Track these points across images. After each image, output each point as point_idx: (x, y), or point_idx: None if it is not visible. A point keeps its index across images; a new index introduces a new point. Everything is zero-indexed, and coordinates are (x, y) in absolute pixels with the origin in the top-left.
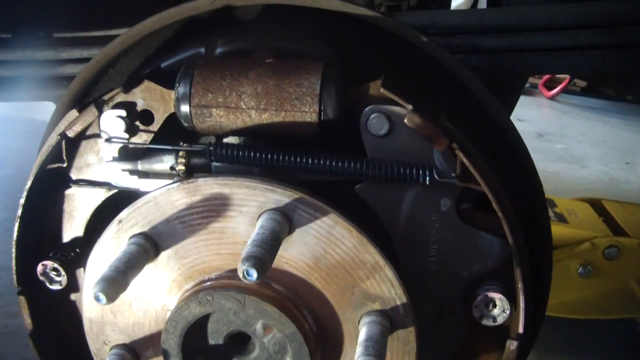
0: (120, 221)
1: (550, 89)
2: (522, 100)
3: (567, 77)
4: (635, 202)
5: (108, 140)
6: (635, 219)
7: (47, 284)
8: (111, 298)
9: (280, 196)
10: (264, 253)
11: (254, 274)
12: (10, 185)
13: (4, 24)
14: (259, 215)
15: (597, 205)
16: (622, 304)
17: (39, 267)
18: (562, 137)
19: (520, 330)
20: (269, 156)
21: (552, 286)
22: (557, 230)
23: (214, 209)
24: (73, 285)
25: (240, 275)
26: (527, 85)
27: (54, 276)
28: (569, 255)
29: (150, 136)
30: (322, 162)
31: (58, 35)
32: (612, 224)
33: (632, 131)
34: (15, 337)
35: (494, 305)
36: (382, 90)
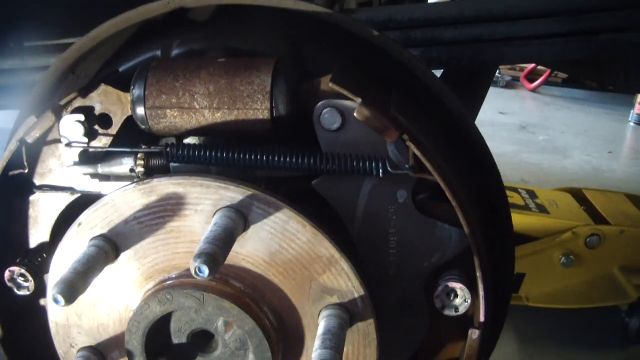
0: (79, 224)
1: (531, 81)
2: (505, 93)
3: (547, 69)
4: (618, 190)
5: (68, 144)
6: (616, 206)
7: (15, 290)
8: (69, 299)
9: (233, 193)
10: (216, 250)
11: (206, 271)
12: None
13: None
14: (214, 213)
15: (578, 194)
16: (606, 292)
17: (6, 274)
18: (545, 128)
19: (482, 318)
20: (224, 155)
21: (535, 277)
22: (539, 220)
23: (169, 208)
24: (41, 290)
25: (192, 272)
26: (509, 78)
27: (21, 282)
28: (551, 245)
29: (110, 139)
30: (276, 158)
31: (29, 44)
32: (593, 212)
33: (614, 120)
34: None
35: (455, 295)
36: (330, 84)
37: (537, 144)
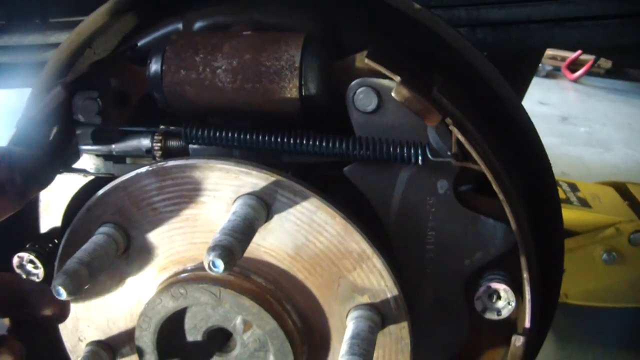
0: (88, 209)
1: (573, 71)
2: (546, 83)
3: (591, 58)
4: None
5: (80, 123)
6: None
7: (24, 277)
8: (72, 292)
9: (256, 179)
10: (233, 242)
11: (221, 265)
12: None
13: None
14: (234, 201)
15: (621, 189)
16: None
17: (15, 259)
18: (586, 120)
19: (527, 324)
20: (248, 137)
21: (575, 273)
22: (580, 215)
23: (186, 194)
24: (51, 278)
25: (206, 266)
26: (550, 68)
27: (30, 269)
28: (592, 241)
29: (126, 118)
30: (305, 142)
31: (54, 20)
32: (638, 208)
33: None
34: None
35: (498, 297)
36: (367, 61)
37: (578, 136)
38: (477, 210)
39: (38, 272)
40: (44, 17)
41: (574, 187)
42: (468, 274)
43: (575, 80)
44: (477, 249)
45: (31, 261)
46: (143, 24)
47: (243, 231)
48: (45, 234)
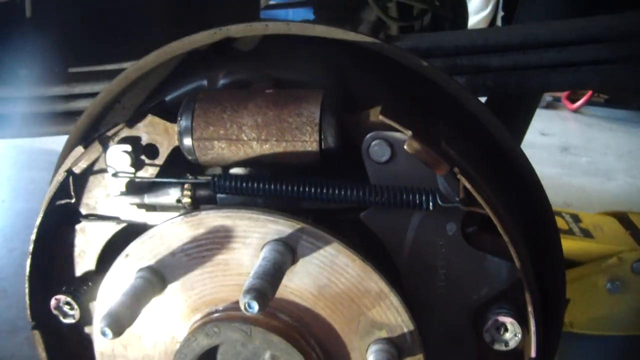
0: (127, 255)
1: (573, 101)
2: (546, 114)
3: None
4: None
5: (114, 175)
6: None
7: (61, 318)
8: (117, 333)
9: (282, 227)
10: (265, 285)
11: (255, 307)
12: (35, 217)
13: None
14: (262, 247)
15: (623, 218)
16: None
17: (52, 302)
18: (587, 150)
19: (533, 354)
20: (272, 186)
21: (580, 303)
22: (583, 245)
23: (217, 241)
24: (86, 318)
25: (242, 307)
26: (550, 98)
27: (67, 310)
28: (596, 271)
29: (156, 170)
30: (325, 190)
31: (73, 70)
32: None
33: None
34: None
35: (506, 330)
36: (380, 117)
37: (580, 166)
38: (482, 249)
39: (74, 313)
40: (63, 66)
41: (576, 218)
42: (475, 308)
43: (576, 110)
44: (483, 284)
45: (67, 303)
46: (169, 80)
47: (273, 275)
48: (80, 277)
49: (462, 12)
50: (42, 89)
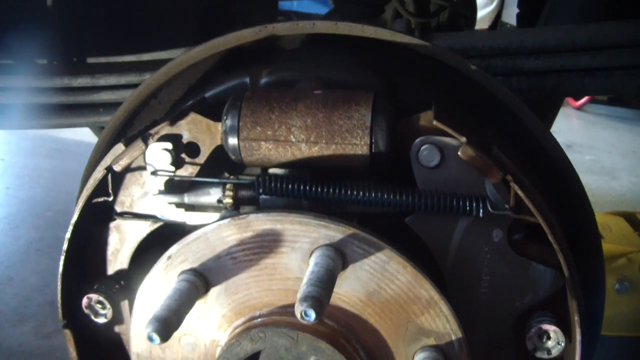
0: (169, 257)
1: (577, 99)
2: None
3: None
4: None
5: (154, 173)
6: None
7: (92, 317)
8: (165, 338)
9: (333, 232)
10: (321, 292)
11: (312, 315)
12: (40, 205)
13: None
14: (312, 252)
15: (631, 218)
16: None
17: (84, 300)
18: (591, 148)
19: None
20: (319, 189)
21: None
22: None
23: (265, 245)
24: (118, 317)
25: (298, 315)
26: None
27: (98, 309)
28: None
29: (196, 168)
30: (373, 194)
31: (92, 61)
32: None
33: None
34: (47, 358)
35: (548, 337)
36: (435, 122)
37: (584, 165)
38: (527, 257)
39: (106, 312)
40: (81, 56)
41: None
42: (518, 315)
43: (579, 108)
44: (527, 292)
45: (99, 302)
46: (209, 76)
47: (327, 281)
48: (112, 275)
49: (472, 9)
50: (65, 80)
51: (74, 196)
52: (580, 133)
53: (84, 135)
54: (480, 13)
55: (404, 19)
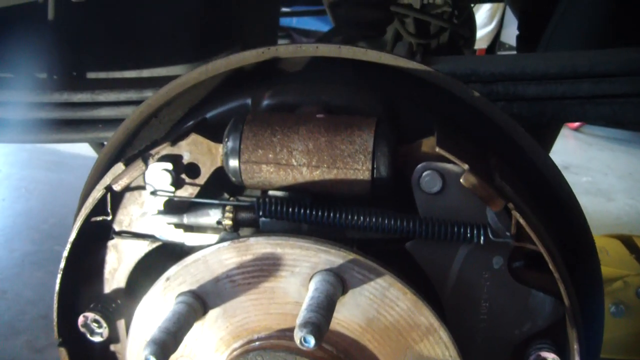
0: (167, 279)
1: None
2: None
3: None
4: None
5: (154, 193)
6: None
7: (88, 336)
8: None
9: (333, 257)
10: (321, 319)
11: (312, 341)
12: (36, 217)
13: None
14: (312, 277)
15: (628, 241)
16: None
17: (80, 319)
18: (588, 169)
19: None
20: (320, 213)
21: None
22: None
23: (265, 268)
24: (113, 336)
25: (297, 341)
26: None
27: (94, 328)
28: None
29: (196, 189)
30: (373, 220)
31: (92, 76)
32: None
33: None
34: None
35: None
36: (438, 149)
37: (580, 186)
38: (527, 284)
39: (102, 331)
40: (80, 71)
41: None
42: (517, 343)
43: (576, 129)
44: (526, 320)
45: (95, 320)
46: (210, 97)
47: (326, 307)
48: (109, 294)
49: (471, 30)
50: (65, 95)
51: (70, 209)
52: (577, 154)
53: (82, 149)
54: (480, 33)
55: (405, 41)
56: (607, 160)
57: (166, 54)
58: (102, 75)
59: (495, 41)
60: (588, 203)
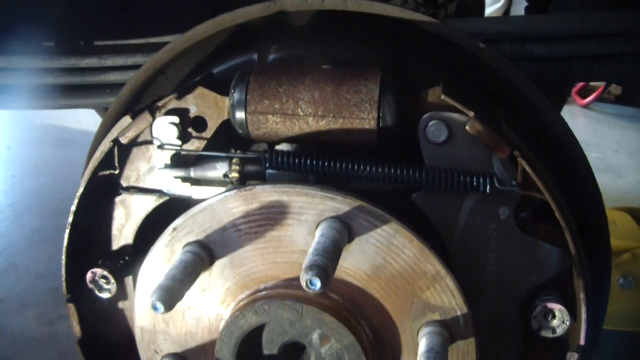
0: (174, 229)
1: (584, 97)
2: None
3: (601, 84)
4: None
5: (160, 147)
6: None
7: (96, 292)
8: (169, 307)
9: (339, 204)
10: (327, 262)
11: (318, 283)
12: (44, 193)
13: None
14: (318, 224)
15: (636, 214)
16: None
17: (88, 275)
18: (598, 146)
19: (582, 341)
20: (326, 164)
21: None
22: None
23: (271, 217)
24: (121, 293)
25: (303, 284)
26: None
27: (103, 284)
28: None
29: (203, 143)
30: (380, 170)
31: (99, 43)
32: None
33: None
34: (50, 344)
35: (553, 316)
36: (443, 97)
37: (590, 162)
38: (534, 235)
39: (110, 287)
40: (88, 39)
41: None
42: (523, 294)
43: (586, 106)
44: (533, 271)
45: (103, 277)
46: (216, 52)
47: (333, 252)
48: (117, 250)
49: (479, 1)
50: (72, 61)
51: (78, 185)
52: (587, 131)
53: (90, 125)
54: (489, 9)
55: (410, 6)
56: (616, 137)
57: (171, 22)
58: (110, 43)
59: None
60: (598, 179)
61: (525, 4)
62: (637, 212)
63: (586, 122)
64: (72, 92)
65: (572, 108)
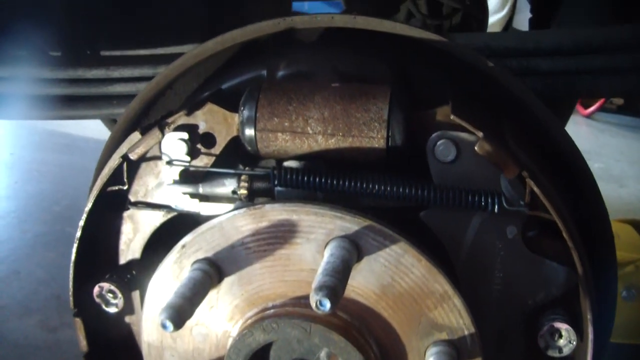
0: (183, 246)
1: (586, 107)
2: None
3: None
4: None
5: (169, 162)
6: None
7: (103, 306)
8: (178, 325)
9: (349, 223)
10: (336, 282)
11: (327, 304)
12: (47, 199)
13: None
14: (327, 243)
15: (639, 226)
16: None
17: (96, 289)
18: (600, 155)
19: None
20: (335, 182)
21: None
22: None
23: (280, 235)
24: (128, 307)
25: (313, 305)
26: None
27: (110, 298)
28: None
29: (212, 159)
30: (389, 188)
31: (105, 54)
32: None
33: None
34: (52, 352)
35: (560, 336)
36: (452, 117)
37: (592, 172)
38: (541, 254)
39: (117, 301)
40: (94, 48)
41: None
42: (530, 313)
43: (588, 116)
44: (540, 289)
45: (111, 291)
46: (224, 68)
47: (342, 272)
48: (124, 265)
49: (483, 12)
50: (79, 72)
51: (81, 191)
52: (589, 141)
53: (93, 131)
54: (492, 19)
55: (417, 20)
56: (619, 146)
57: (180, 32)
58: (116, 54)
59: (508, 27)
60: (601, 189)
61: (529, 14)
62: (639, 223)
63: (589, 132)
64: (78, 103)
65: (574, 117)
